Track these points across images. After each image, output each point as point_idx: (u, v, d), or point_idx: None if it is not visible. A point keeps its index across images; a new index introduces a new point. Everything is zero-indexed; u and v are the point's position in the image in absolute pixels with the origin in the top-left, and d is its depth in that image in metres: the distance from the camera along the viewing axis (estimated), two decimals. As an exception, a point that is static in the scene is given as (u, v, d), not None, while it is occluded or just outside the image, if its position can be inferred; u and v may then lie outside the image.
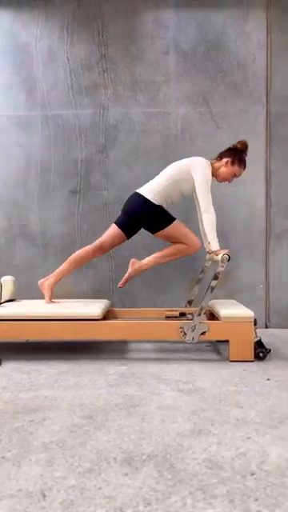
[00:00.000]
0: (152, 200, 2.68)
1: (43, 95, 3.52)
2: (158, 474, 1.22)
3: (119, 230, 2.78)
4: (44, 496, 1.12)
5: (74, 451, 1.37)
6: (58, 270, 2.82)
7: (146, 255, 3.56)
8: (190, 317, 2.89)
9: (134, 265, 2.82)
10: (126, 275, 2.84)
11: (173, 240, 2.76)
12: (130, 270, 2.83)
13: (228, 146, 2.80)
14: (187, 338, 2.46)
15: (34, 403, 1.80)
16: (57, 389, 1.99)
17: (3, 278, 2.98)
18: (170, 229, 2.71)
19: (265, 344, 2.57)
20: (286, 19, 3.46)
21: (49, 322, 2.49)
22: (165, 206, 2.75)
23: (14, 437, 1.48)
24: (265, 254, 3.50)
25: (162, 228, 2.70)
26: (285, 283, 3.49)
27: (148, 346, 2.90)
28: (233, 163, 2.71)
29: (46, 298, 2.79)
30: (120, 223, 2.79)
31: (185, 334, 2.46)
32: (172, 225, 2.71)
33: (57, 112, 3.52)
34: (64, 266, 2.82)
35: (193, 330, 2.45)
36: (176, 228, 2.72)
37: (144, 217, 2.71)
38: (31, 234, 3.54)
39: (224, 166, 2.71)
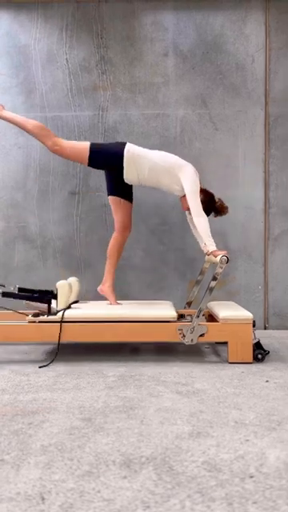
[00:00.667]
0: (124, 159, 2.67)
1: (42, 97, 3.52)
2: (156, 477, 1.22)
3: (115, 197, 2.83)
4: (43, 499, 1.12)
5: (72, 454, 1.37)
6: (107, 270, 2.90)
7: (145, 256, 3.56)
8: (188, 318, 2.89)
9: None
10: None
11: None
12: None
13: (213, 193, 2.78)
14: (186, 340, 2.46)
15: (32, 405, 1.80)
16: (56, 391, 1.99)
17: (70, 279, 2.93)
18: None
19: (263, 346, 2.57)
20: (285, 21, 3.47)
21: (123, 323, 2.49)
22: (134, 177, 2.71)
23: (12, 439, 1.48)
24: (263, 255, 3.51)
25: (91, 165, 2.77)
26: (283, 285, 3.50)
27: (147, 347, 2.90)
28: (203, 203, 2.67)
29: (111, 300, 2.85)
30: (110, 190, 2.85)
31: (184, 335, 2.46)
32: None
33: (56, 113, 3.52)
34: (109, 261, 2.89)
35: (192, 332, 2.45)
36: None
37: (110, 159, 2.72)
38: (30, 235, 3.54)
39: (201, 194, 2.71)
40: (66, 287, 2.62)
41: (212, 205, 2.76)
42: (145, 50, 3.50)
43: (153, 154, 2.72)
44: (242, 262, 3.50)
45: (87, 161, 2.74)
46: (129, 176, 2.71)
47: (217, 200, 2.79)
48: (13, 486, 1.18)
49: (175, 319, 2.51)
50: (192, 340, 2.45)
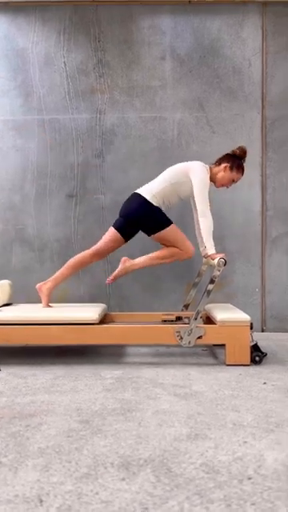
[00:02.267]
0: (151, 200, 2.69)
1: (40, 100, 3.53)
2: (155, 479, 1.22)
3: (117, 233, 2.79)
4: (41, 501, 1.11)
5: (70, 456, 1.37)
6: (56, 275, 2.82)
7: (143, 259, 3.55)
8: (186, 321, 2.90)
9: (126, 263, 2.81)
10: (116, 272, 2.81)
11: (167, 243, 2.77)
12: (120, 267, 2.81)
13: (227, 152, 2.82)
14: (184, 342, 2.46)
15: (30, 408, 1.80)
16: (53, 393, 1.99)
17: (1, 282, 2.97)
18: (166, 231, 2.71)
19: (261, 348, 2.57)
20: (281, 25, 3.49)
21: (46, 326, 2.48)
22: (163, 209, 2.75)
23: (10, 442, 1.47)
24: (261, 258, 3.52)
25: (159, 230, 2.71)
26: (281, 287, 3.51)
27: (144, 350, 2.90)
28: (231, 169, 2.72)
29: (43, 302, 2.79)
30: (118, 226, 2.80)
31: (181, 338, 2.46)
32: (169, 228, 2.72)
33: (53, 116, 3.52)
34: (62, 270, 2.82)
35: (189, 334, 2.45)
36: (172, 231, 2.73)
37: (142, 217, 2.72)
38: (27, 237, 3.54)
39: (223, 171, 2.73)
40: None
41: (237, 158, 2.75)
42: (142, 54, 3.51)
43: (162, 180, 2.73)
44: (239, 265, 3.51)
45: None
46: (161, 208, 2.75)
47: (235, 151, 2.77)
48: (11, 489, 1.17)
49: (96, 322, 2.49)
50: (190, 342, 2.45)
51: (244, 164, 2.78)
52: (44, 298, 2.79)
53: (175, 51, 3.51)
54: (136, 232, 2.83)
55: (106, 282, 2.85)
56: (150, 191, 2.72)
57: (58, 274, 2.82)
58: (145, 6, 3.50)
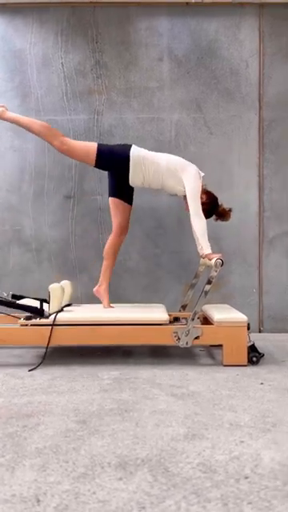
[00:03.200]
0: (131, 160, 2.69)
1: (37, 100, 3.53)
2: (152, 479, 1.22)
3: (115, 199, 2.83)
4: (38, 501, 1.12)
5: (68, 456, 1.37)
6: (103, 272, 2.89)
7: (140, 259, 3.57)
8: (183, 321, 2.90)
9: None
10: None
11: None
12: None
13: (217, 197, 2.82)
14: (181, 343, 2.46)
15: (27, 408, 1.80)
16: (51, 394, 1.99)
17: (63, 282, 2.92)
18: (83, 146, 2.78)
19: (258, 348, 2.58)
20: (278, 27, 3.50)
21: (107, 326, 2.49)
22: (138, 180, 2.74)
23: (7, 442, 1.48)
24: (258, 258, 3.53)
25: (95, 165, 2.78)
26: (278, 288, 3.51)
27: (142, 350, 2.90)
28: (203, 205, 2.69)
29: (105, 303, 2.85)
30: (112, 192, 2.85)
31: (178, 338, 2.46)
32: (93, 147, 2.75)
33: (51, 117, 3.53)
34: (105, 263, 2.89)
35: (186, 335, 2.46)
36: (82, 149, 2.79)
37: (117, 161, 2.73)
38: (25, 238, 3.53)
39: (203, 194, 2.75)
40: (59, 290, 2.61)
41: (215, 208, 2.78)
42: (140, 55, 3.52)
43: (158, 156, 2.75)
44: (236, 266, 3.51)
45: (94, 161, 2.76)
46: (134, 178, 2.73)
47: (220, 204, 2.80)
48: (8, 488, 1.18)
49: (167, 322, 2.51)
50: (187, 343, 2.46)
51: (213, 214, 2.80)
52: (105, 299, 2.85)
53: (173, 52, 3.52)
54: (129, 188, 2.82)
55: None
56: (139, 152, 2.72)
57: (103, 270, 2.89)
58: (142, 8, 3.50)
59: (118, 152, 2.75)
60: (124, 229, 2.90)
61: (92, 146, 2.76)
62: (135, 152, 2.72)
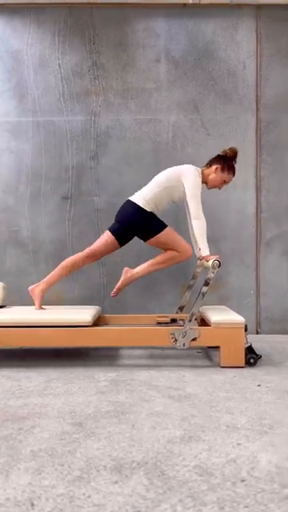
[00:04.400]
0: (144, 207, 2.70)
1: (34, 101, 3.52)
2: (148, 482, 1.21)
3: (113, 237, 2.78)
4: (32, 505, 1.10)
5: (63, 459, 1.36)
6: (48, 277, 2.81)
7: (138, 261, 3.55)
8: (180, 323, 2.89)
9: (127, 273, 2.83)
10: (119, 284, 2.84)
11: (164, 247, 2.77)
12: (122, 278, 2.83)
13: (217, 153, 2.83)
14: (178, 344, 2.45)
15: (23, 411, 1.79)
16: (46, 396, 1.97)
17: None
18: (162, 235, 2.72)
19: (255, 350, 2.57)
20: (275, 28, 3.51)
21: (39, 328, 2.47)
22: (156, 213, 2.76)
23: (2, 445, 1.46)
24: (255, 260, 3.52)
25: (155, 235, 2.71)
26: (275, 289, 3.51)
27: (139, 352, 2.89)
28: (222, 170, 2.73)
29: (36, 304, 2.78)
30: (114, 230, 2.80)
31: (176, 340, 2.45)
32: (164, 231, 2.72)
33: (48, 118, 3.52)
34: (55, 272, 2.81)
35: (184, 336, 2.45)
36: (168, 234, 2.73)
37: (137, 224, 2.73)
38: (22, 239, 3.52)
39: (214, 173, 2.74)
40: None
41: (228, 160, 2.76)
42: (137, 56, 3.52)
43: (154, 184, 2.73)
44: (233, 267, 3.51)
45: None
46: (154, 213, 2.76)
47: (225, 152, 2.77)
48: (2, 492, 1.16)
49: (90, 324, 2.48)
50: (184, 344, 2.45)
51: (235, 165, 2.79)
52: (37, 301, 2.78)
53: (170, 54, 3.51)
54: (131, 238, 2.83)
55: (111, 295, 2.87)
56: (142, 197, 2.72)
57: (50, 276, 2.81)
58: (139, 9, 3.50)
59: (127, 216, 2.73)
60: (95, 259, 2.84)
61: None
62: (141, 201, 2.70)
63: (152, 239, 2.73)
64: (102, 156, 3.52)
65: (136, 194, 2.78)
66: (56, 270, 2.81)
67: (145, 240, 2.77)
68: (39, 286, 2.79)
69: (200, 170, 2.75)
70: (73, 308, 2.91)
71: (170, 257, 2.75)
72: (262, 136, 3.51)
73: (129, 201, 2.76)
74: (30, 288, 2.82)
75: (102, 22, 3.50)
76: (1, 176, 3.52)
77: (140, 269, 2.81)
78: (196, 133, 3.51)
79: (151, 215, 2.73)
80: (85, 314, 2.56)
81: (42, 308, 2.79)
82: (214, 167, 2.74)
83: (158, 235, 2.71)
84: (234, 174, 2.78)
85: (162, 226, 2.74)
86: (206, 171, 2.77)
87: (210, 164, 2.78)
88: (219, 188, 2.81)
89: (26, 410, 1.79)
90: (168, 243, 2.74)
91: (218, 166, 2.73)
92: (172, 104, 3.51)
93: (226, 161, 2.74)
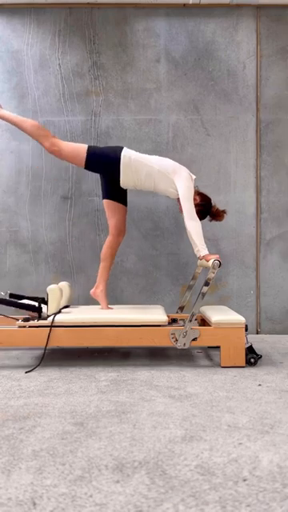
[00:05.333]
0: (121, 164, 2.68)
1: (34, 102, 3.52)
2: (149, 481, 1.21)
3: (109, 201, 2.82)
4: (34, 504, 1.10)
5: (64, 459, 1.36)
6: (100, 273, 2.88)
7: (138, 261, 3.56)
8: (181, 323, 2.89)
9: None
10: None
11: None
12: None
13: (210, 199, 2.80)
14: (179, 344, 2.45)
15: (24, 410, 1.78)
16: (47, 396, 1.97)
17: (61, 284, 2.91)
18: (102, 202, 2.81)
19: (256, 350, 2.57)
20: (275, 29, 3.51)
21: (106, 328, 2.48)
22: (130, 182, 2.72)
23: (3, 445, 1.46)
24: (255, 260, 3.52)
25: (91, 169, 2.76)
26: (275, 289, 3.51)
27: (139, 352, 2.89)
28: (196, 206, 2.67)
29: (103, 304, 2.83)
30: (105, 194, 2.83)
31: (176, 340, 2.45)
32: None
33: (48, 118, 3.52)
34: (102, 265, 2.87)
35: (184, 336, 2.45)
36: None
37: (105, 167, 2.73)
38: (22, 240, 3.52)
39: (195, 196, 2.72)
40: (57, 292, 2.60)
41: (208, 209, 2.77)
42: (137, 56, 3.52)
43: (149, 159, 2.72)
44: (233, 267, 3.51)
45: (84, 163, 2.73)
46: (125, 181, 2.72)
47: (213, 204, 2.79)
48: (4, 492, 1.16)
49: (166, 323, 2.50)
50: (184, 344, 2.45)
51: (207, 216, 2.78)
52: (102, 301, 2.84)
53: (170, 54, 3.52)
54: (121, 189, 2.81)
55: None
56: (130, 156, 2.69)
57: (100, 272, 2.87)
58: (139, 9, 3.51)
59: (108, 154, 2.72)
60: (121, 230, 2.88)
61: (82, 148, 2.72)
62: (126, 154, 2.69)
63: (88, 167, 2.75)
64: (102, 156, 3.51)
65: (132, 151, 2.75)
66: (102, 263, 2.88)
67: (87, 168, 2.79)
68: (99, 287, 2.86)
69: (194, 177, 2.73)
70: (139, 308, 2.91)
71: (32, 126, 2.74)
72: (261, 136, 3.51)
73: (120, 148, 2.74)
74: (91, 292, 2.89)
75: (102, 22, 3.50)
76: (1, 176, 3.52)
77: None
78: (196, 133, 3.52)
79: (111, 177, 2.73)
80: (159, 313, 2.57)
81: (109, 307, 2.83)
82: (196, 198, 2.71)
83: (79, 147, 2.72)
84: (201, 219, 2.72)
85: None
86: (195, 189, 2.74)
87: (198, 193, 2.75)
88: (181, 212, 2.79)
89: (26, 410, 1.79)
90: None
91: (198, 202, 2.70)
92: (172, 104, 3.52)
93: (205, 208, 2.74)
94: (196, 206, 2.67)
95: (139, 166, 2.68)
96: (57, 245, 3.52)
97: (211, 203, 2.79)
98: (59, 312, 2.61)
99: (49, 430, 1.58)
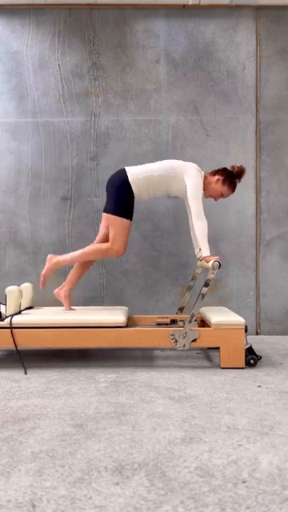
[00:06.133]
0: (131, 184, 2.66)
1: (34, 102, 3.52)
2: (149, 483, 1.21)
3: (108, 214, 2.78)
4: (34, 506, 1.10)
5: (64, 460, 1.36)
6: (69, 276, 2.83)
7: (137, 261, 3.56)
8: (181, 324, 2.89)
9: (51, 260, 2.77)
10: (43, 271, 2.78)
11: (108, 231, 2.74)
12: (46, 265, 2.78)
13: (225, 166, 2.81)
14: (178, 345, 2.45)
15: (23, 412, 1.78)
16: (47, 397, 1.97)
17: (23, 285, 2.91)
18: (119, 220, 2.67)
19: (255, 351, 2.57)
20: (275, 30, 3.51)
21: (64, 329, 2.46)
22: (145, 196, 2.72)
23: (3, 447, 1.46)
24: (255, 261, 3.52)
25: (116, 214, 2.68)
26: (275, 290, 3.51)
27: (139, 353, 2.89)
28: (223, 183, 2.71)
29: (65, 305, 2.81)
30: (105, 207, 2.79)
31: (176, 341, 2.45)
32: (125, 220, 2.69)
33: (48, 119, 3.52)
34: (73, 270, 2.83)
35: (184, 337, 2.45)
36: (123, 225, 2.69)
37: (113, 193, 2.70)
38: (21, 240, 3.52)
39: (214, 183, 2.72)
40: (16, 293, 2.60)
41: (234, 177, 2.74)
42: (137, 57, 3.52)
43: (155, 167, 2.70)
44: (233, 268, 3.51)
45: (116, 218, 2.71)
46: (141, 196, 2.72)
47: (233, 168, 2.76)
48: (3, 494, 1.16)
49: (124, 325, 2.48)
50: (184, 345, 2.45)
51: (238, 183, 2.77)
52: (65, 303, 2.80)
53: (170, 55, 3.52)
54: (126, 205, 2.77)
55: (40, 286, 2.81)
56: (136, 174, 2.68)
57: (70, 275, 2.84)
58: (139, 10, 3.51)
59: (118, 187, 2.69)
60: (105, 242, 2.84)
61: (125, 223, 2.70)
62: (132, 173, 2.68)
63: (112, 216, 2.68)
64: (101, 157, 3.52)
65: (134, 167, 2.74)
66: (73, 270, 2.83)
67: (107, 211, 2.73)
68: (63, 288, 2.82)
69: (203, 173, 2.74)
70: (101, 309, 2.89)
71: (103, 249, 2.70)
72: (261, 137, 3.52)
73: (122, 170, 2.73)
74: (55, 291, 2.84)
75: (102, 22, 3.51)
76: (0, 177, 3.52)
77: (64, 257, 2.76)
78: (196, 134, 3.52)
79: (131, 198, 2.69)
80: (118, 314, 2.56)
81: (72, 309, 2.81)
82: (216, 177, 2.72)
83: (120, 218, 2.67)
84: (233, 191, 2.76)
85: (129, 215, 2.71)
86: (209, 178, 2.74)
87: (214, 173, 2.75)
88: (215, 199, 2.80)
89: (26, 412, 1.78)
90: (115, 230, 2.69)
91: (221, 178, 2.71)
92: (172, 105, 3.52)
93: (230, 176, 2.73)
94: (224, 182, 2.70)
95: (148, 179, 2.67)
96: (56, 245, 3.51)
97: (231, 170, 2.76)
98: (19, 313, 2.61)
99: (48, 431, 1.58)
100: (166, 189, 2.72)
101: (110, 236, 2.70)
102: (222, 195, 2.76)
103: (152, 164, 2.74)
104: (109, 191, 2.75)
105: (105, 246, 2.71)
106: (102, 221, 2.85)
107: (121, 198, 2.69)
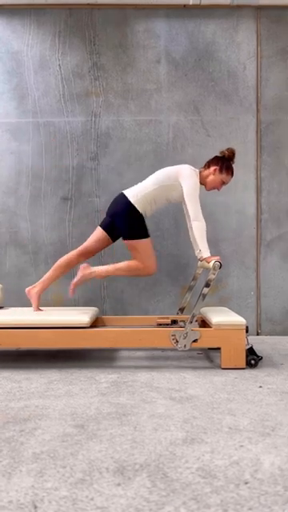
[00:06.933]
0: (135, 204, 2.66)
1: (34, 102, 3.52)
2: (150, 484, 1.21)
3: (104, 232, 2.79)
4: (35, 507, 1.10)
5: (65, 461, 1.35)
6: (44, 278, 2.81)
7: (138, 262, 3.54)
8: (181, 324, 2.89)
9: (85, 270, 2.76)
10: (75, 279, 2.77)
11: (134, 253, 2.72)
12: (79, 274, 2.76)
13: (215, 155, 2.82)
14: (179, 346, 2.45)
15: (24, 413, 1.78)
16: (48, 398, 1.97)
17: None
18: (139, 242, 2.68)
19: (256, 351, 2.57)
20: (275, 30, 3.51)
21: (37, 330, 2.46)
22: (149, 211, 2.72)
23: (4, 447, 1.45)
24: (256, 261, 3.52)
25: (136, 238, 2.68)
26: (275, 290, 3.51)
27: (140, 353, 2.89)
28: (220, 171, 2.71)
29: (34, 305, 2.78)
30: (105, 225, 2.80)
31: (176, 341, 2.45)
32: (144, 240, 2.69)
33: (48, 119, 3.52)
34: (50, 272, 2.81)
35: (184, 338, 2.44)
36: (146, 245, 2.69)
37: (122, 219, 2.69)
38: (22, 240, 3.52)
39: (212, 175, 2.72)
40: None
41: (226, 160, 2.73)
42: (137, 57, 3.52)
43: (150, 183, 2.69)
44: (234, 268, 3.51)
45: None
46: (145, 213, 2.71)
47: (223, 153, 2.75)
48: (4, 495, 1.16)
49: (87, 325, 2.48)
50: (185, 346, 2.44)
51: (233, 165, 2.77)
52: (34, 302, 2.77)
53: (170, 55, 3.51)
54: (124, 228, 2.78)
55: (70, 293, 2.79)
56: (135, 194, 2.68)
57: (45, 276, 2.81)
58: (140, 10, 3.50)
59: (118, 211, 2.70)
60: (89, 254, 2.84)
61: (99, 233, 2.78)
62: (133, 196, 2.67)
63: (131, 241, 2.69)
64: (102, 157, 3.52)
65: (131, 188, 2.74)
66: (51, 270, 2.82)
67: (124, 238, 2.72)
68: (35, 288, 2.79)
69: (198, 171, 2.73)
70: (70, 309, 2.90)
71: (134, 268, 2.70)
72: (262, 137, 3.51)
73: (122, 194, 2.72)
74: (26, 290, 2.82)
75: (103, 22, 3.50)
76: (1, 177, 3.52)
77: (100, 269, 2.75)
78: (196, 134, 3.51)
79: (140, 217, 2.68)
80: (82, 315, 2.55)
81: (40, 309, 2.78)
82: (212, 168, 2.72)
83: (138, 240, 2.68)
84: (232, 175, 2.77)
85: (144, 233, 2.70)
86: (205, 173, 2.75)
87: (208, 165, 2.76)
88: (218, 189, 2.80)
89: (27, 412, 1.78)
90: (139, 253, 2.69)
91: (217, 167, 2.71)
92: (172, 105, 3.51)
93: (224, 162, 2.73)
94: (221, 169, 2.69)
95: (148, 196, 2.66)
96: (57, 245, 3.51)
97: (222, 156, 2.75)
98: None
99: (49, 432, 1.58)
100: (166, 198, 2.72)
101: (138, 260, 2.70)
102: (224, 183, 2.76)
103: (146, 180, 2.74)
104: (115, 220, 2.73)
105: (140, 265, 2.70)
106: (94, 233, 2.84)
107: (131, 221, 2.67)
